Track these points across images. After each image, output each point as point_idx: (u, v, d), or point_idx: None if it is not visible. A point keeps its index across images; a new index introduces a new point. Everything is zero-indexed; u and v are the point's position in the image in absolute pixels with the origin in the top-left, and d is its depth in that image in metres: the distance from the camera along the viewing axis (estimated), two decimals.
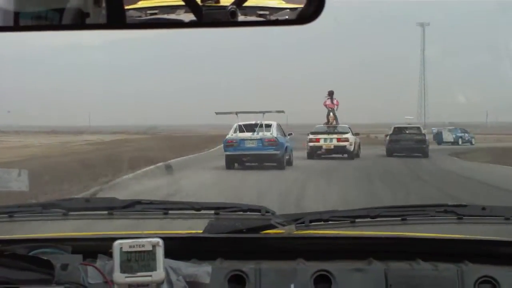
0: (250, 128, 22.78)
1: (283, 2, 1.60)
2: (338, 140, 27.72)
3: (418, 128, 32.41)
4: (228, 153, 22.05)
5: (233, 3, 1.48)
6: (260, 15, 1.57)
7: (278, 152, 21.64)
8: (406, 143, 30.11)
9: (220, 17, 1.48)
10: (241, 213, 2.62)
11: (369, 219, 2.53)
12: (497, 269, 2.18)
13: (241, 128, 22.72)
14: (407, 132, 31.55)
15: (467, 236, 2.49)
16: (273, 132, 22.48)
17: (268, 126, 22.83)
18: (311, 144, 27.75)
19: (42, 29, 1.48)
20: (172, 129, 75.92)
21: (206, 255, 2.22)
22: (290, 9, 1.57)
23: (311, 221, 2.47)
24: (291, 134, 25.27)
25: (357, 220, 2.53)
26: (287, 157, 22.54)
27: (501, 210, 2.64)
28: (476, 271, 2.16)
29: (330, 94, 31.87)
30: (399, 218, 2.54)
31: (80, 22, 1.47)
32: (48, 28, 1.48)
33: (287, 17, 1.57)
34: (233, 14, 1.47)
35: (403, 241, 2.44)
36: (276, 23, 1.58)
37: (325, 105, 31.68)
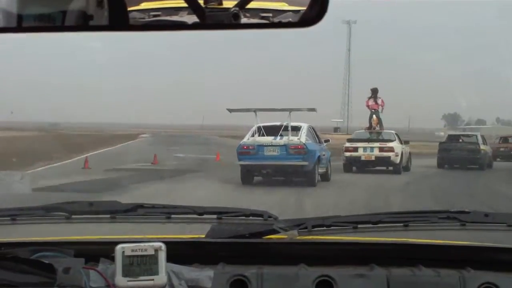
0: (273, 131, 18.00)
1: (286, 4, 1.61)
2: (381, 149, 22.53)
3: (475, 136, 28.05)
4: (242, 162, 17.52)
5: (236, 5, 1.49)
6: (263, 18, 1.58)
7: (306, 163, 16.99)
8: (459, 153, 26.13)
9: (223, 19, 1.49)
10: (244, 218, 2.62)
11: (371, 225, 2.53)
12: (499, 275, 2.18)
13: (261, 131, 17.97)
14: (460, 140, 27.68)
15: (470, 242, 2.48)
16: (302, 137, 17.62)
17: (296, 129, 18.03)
18: (347, 154, 22.73)
19: (45, 30, 1.49)
20: (78, 127, 72.29)
21: (208, 259, 2.22)
22: (293, 11, 1.58)
23: (313, 227, 2.47)
24: (328, 141, 20.38)
25: (359, 226, 2.53)
26: (322, 170, 18.09)
27: (504, 217, 2.64)
28: (478, 277, 2.15)
29: (374, 92, 26.13)
30: (401, 224, 2.54)
31: (82, 23, 1.48)
32: (50, 29, 1.49)
33: (290, 19, 1.58)
34: (236, 16, 1.48)
35: (405, 247, 2.43)
36: (278, 25, 1.59)
37: (367, 106, 25.87)
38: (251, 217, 2.61)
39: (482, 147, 26.71)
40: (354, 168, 22.82)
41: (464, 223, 2.54)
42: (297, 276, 2.15)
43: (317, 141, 18.89)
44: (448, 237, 2.56)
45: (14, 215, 2.54)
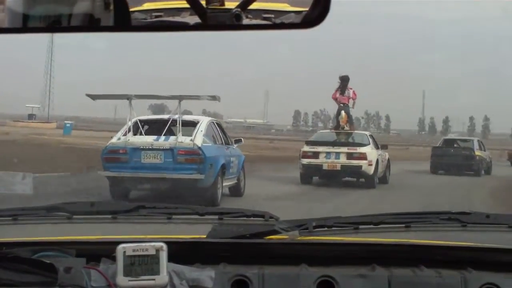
0: (158, 127, 12.76)
1: (288, 5, 1.61)
2: (349, 156, 17.61)
3: (471, 141, 27.61)
4: (109, 174, 12.12)
5: (238, 6, 1.50)
6: (265, 19, 1.59)
7: (202, 176, 11.87)
8: (452, 159, 25.48)
9: (224, 20, 1.49)
10: (245, 218, 2.62)
11: (372, 226, 2.54)
12: (500, 276, 2.18)
13: (137, 128, 12.60)
14: (455, 145, 27.56)
15: (471, 243, 2.48)
16: (197, 138, 12.26)
17: (191, 124, 12.78)
18: (304, 161, 17.81)
19: (49, 31, 1.49)
20: None
21: (210, 259, 2.22)
22: (295, 12, 1.58)
23: (315, 227, 2.47)
24: (241, 140, 15.35)
25: (361, 226, 2.53)
26: (230, 183, 13.27)
27: (505, 218, 2.64)
28: (480, 278, 2.16)
29: (344, 80, 20.00)
30: (403, 225, 2.54)
31: (86, 24, 1.48)
32: (54, 30, 1.49)
33: (292, 20, 1.58)
34: (238, 17, 1.48)
35: (407, 247, 2.43)
36: (281, 26, 1.59)
37: (335, 99, 20.09)
38: (252, 218, 2.61)
39: (477, 152, 26.18)
40: (314, 178, 18.11)
41: (465, 224, 2.54)
42: (298, 276, 2.15)
43: (223, 141, 13.70)
44: (450, 238, 2.57)
45: (15, 215, 2.55)
